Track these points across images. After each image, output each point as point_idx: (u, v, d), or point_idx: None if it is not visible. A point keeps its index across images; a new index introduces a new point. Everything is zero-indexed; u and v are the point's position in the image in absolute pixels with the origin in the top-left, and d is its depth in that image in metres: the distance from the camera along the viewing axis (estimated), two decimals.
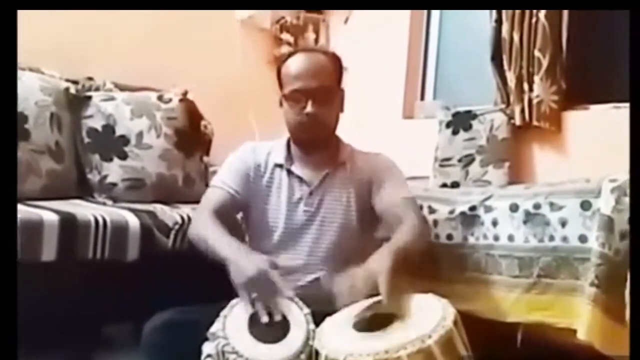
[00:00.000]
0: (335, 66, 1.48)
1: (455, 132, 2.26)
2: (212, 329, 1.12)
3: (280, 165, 1.48)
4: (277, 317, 1.15)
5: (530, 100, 2.11)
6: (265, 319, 1.13)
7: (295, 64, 1.43)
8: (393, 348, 0.98)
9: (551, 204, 1.46)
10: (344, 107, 1.52)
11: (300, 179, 1.46)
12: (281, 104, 1.48)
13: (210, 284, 1.23)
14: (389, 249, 1.22)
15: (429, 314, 1.07)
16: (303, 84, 1.40)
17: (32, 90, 1.97)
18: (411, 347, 0.98)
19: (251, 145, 1.55)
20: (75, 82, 2.20)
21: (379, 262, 1.16)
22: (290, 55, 1.47)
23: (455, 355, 1.02)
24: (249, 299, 1.16)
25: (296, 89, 1.41)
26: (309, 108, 1.39)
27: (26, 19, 2.09)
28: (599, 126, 2.01)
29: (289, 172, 1.47)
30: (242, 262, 1.21)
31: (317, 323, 1.16)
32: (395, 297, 1.10)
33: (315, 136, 1.45)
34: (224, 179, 1.48)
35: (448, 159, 2.24)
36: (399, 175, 1.51)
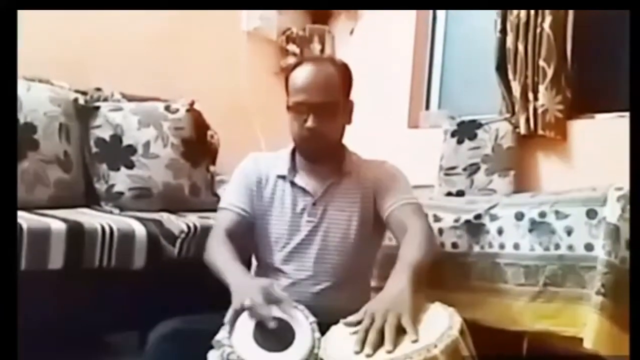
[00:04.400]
0: (344, 77, 1.45)
1: (460, 141, 2.27)
2: (218, 337, 1.12)
3: (283, 177, 1.48)
4: (275, 314, 1.14)
5: (535, 110, 2.12)
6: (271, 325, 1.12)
7: (300, 76, 1.41)
8: (399, 357, 0.98)
9: (557, 213, 1.46)
10: (352, 118, 1.49)
11: (304, 190, 1.45)
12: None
13: (216, 293, 1.23)
14: (407, 275, 1.17)
15: (435, 323, 1.06)
16: (305, 98, 1.38)
17: (41, 101, 1.99)
18: (417, 357, 0.97)
19: (253, 157, 1.54)
20: (83, 93, 2.23)
21: (400, 299, 1.10)
22: (298, 64, 1.45)
23: None
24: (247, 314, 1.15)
25: (299, 102, 1.39)
26: (309, 122, 1.37)
27: (35, 29, 2.14)
28: (604, 135, 2.02)
29: (292, 184, 1.47)
30: (241, 290, 1.20)
31: (323, 333, 1.15)
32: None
33: (317, 148, 1.44)
34: (231, 200, 1.48)
35: (453, 168, 2.25)
36: (403, 182, 1.49)
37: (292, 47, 3.07)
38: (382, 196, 1.45)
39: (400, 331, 1.04)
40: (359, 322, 1.09)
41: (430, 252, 1.32)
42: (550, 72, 2.07)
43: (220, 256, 1.34)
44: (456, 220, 1.64)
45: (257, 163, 1.52)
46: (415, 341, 1.00)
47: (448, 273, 1.62)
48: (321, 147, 1.43)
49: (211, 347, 1.12)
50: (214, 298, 1.22)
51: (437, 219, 1.68)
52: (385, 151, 1.72)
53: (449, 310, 1.11)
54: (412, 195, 1.46)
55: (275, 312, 1.17)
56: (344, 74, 1.45)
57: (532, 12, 2.12)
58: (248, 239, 1.49)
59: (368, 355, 1.00)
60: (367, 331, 1.04)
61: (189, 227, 1.83)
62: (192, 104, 2.36)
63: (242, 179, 1.50)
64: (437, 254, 1.44)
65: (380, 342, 1.02)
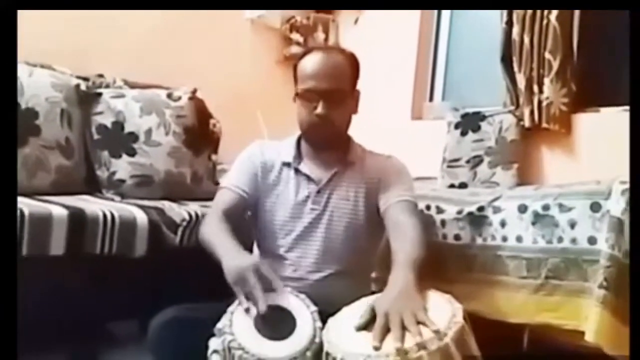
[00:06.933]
0: (353, 67, 1.46)
1: (463, 133, 2.25)
2: (219, 325, 1.12)
3: (288, 164, 1.48)
4: (276, 303, 1.15)
5: (540, 102, 2.11)
6: (262, 308, 1.11)
7: (311, 63, 1.41)
8: (413, 349, 0.97)
9: (560, 205, 1.46)
10: (358, 108, 1.50)
11: (308, 177, 1.46)
12: (295, 100, 1.47)
13: (217, 281, 1.23)
14: (410, 270, 1.17)
15: (439, 312, 1.06)
16: (316, 84, 1.39)
17: (43, 87, 1.98)
18: (431, 346, 0.97)
19: (259, 143, 1.55)
20: (85, 79, 2.22)
21: (410, 295, 1.10)
22: (307, 52, 1.46)
23: (467, 351, 1.02)
24: (242, 295, 1.15)
25: (309, 89, 1.40)
26: (319, 109, 1.38)
27: (37, 17, 2.13)
28: (608, 128, 2.00)
29: (297, 171, 1.47)
30: (230, 261, 1.21)
31: (324, 321, 1.15)
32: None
33: (325, 135, 1.44)
34: (232, 180, 1.48)
35: (456, 160, 2.24)
36: (407, 179, 1.49)
37: (295, 36, 3.05)
38: (385, 190, 1.45)
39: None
40: (368, 321, 1.07)
41: (425, 248, 1.30)
42: (555, 65, 2.06)
43: (215, 232, 1.33)
44: (459, 212, 1.63)
45: (262, 150, 1.52)
46: (436, 331, 0.99)
47: (450, 265, 1.62)
48: (329, 134, 1.44)
49: (212, 335, 1.12)
50: (215, 286, 1.22)
51: (439, 210, 1.67)
52: (388, 143, 1.72)
53: (446, 297, 1.12)
54: (411, 193, 1.46)
55: (276, 300, 1.17)
56: (353, 64, 1.46)
57: None
58: (247, 222, 1.49)
59: (377, 348, 1.00)
60: (384, 328, 1.02)
61: (190, 216, 1.83)
62: (194, 92, 2.35)
63: (246, 162, 1.51)
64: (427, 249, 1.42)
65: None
